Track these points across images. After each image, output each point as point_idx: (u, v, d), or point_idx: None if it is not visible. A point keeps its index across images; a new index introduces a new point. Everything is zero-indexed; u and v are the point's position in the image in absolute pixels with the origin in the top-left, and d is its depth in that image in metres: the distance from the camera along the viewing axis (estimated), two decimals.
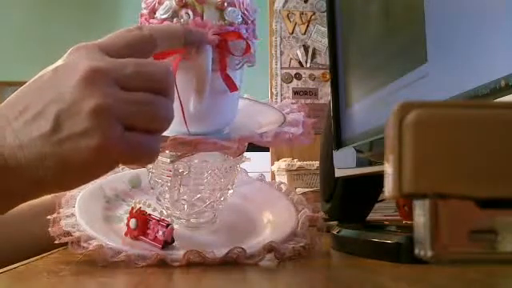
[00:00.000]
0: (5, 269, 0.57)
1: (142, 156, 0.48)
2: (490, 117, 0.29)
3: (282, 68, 2.52)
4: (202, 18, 0.59)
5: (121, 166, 0.68)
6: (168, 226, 0.63)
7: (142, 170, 0.73)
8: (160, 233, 0.62)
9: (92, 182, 0.67)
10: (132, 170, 0.74)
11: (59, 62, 0.49)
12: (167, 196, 0.67)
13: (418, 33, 0.62)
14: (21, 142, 0.45)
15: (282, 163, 1.66)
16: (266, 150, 2.25)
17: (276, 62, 2.52)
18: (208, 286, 0.53)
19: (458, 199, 0.28)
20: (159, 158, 0.63)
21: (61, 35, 4.80)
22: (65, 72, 0.47)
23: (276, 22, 2.52)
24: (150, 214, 0.65)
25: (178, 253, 0.60)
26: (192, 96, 0.59)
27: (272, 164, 2.10)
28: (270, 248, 0.61)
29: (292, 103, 0.72)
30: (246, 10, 0.62)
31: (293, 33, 2.52)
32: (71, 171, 0.46)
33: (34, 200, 0.51)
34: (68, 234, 0.63)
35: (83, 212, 0.66)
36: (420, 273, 0.52)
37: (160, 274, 0.57)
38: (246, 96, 0.72)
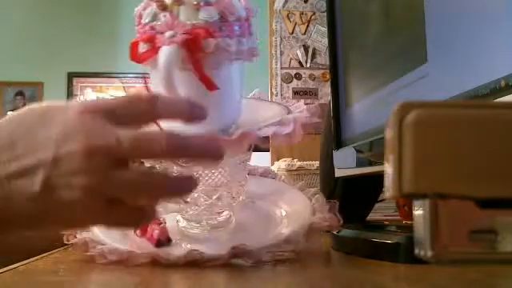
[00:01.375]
0: (5, 269, 0.57)
1: (124, 226, 0.51)
2: (490, 117, 0.29)
3: (282, 68, 2.52)
4: (178, 18, 0.60)
5: None
6: (160, 224, 0.63)
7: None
8: (155, 231, 0.63)
9: None
10: None
11: (59, 113, 0.47)
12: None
13: (418, 33, 0.62)
14: (6, 194, 0.45)
15: (282, 163, 1.66)
16: (266, 149, 2.25)
17: (276, 61, 2.52)
18: (208, 285, 0.53)
19: (458, 199, 0.28)
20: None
21: (61, 35, 4.80)
22: (65, 133, 0.45)
23: (276, 21, 2.52)
24: None
25: (137, 252, 0.60)
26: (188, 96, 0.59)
27: (272, 164, 2.09)
28: (239, 252, 0.59)
29: (306, 104, 0.71)
30: (225, 8, 0.62)
31: (293, 33, 2.52)
32: (56, 226, 0.50)
33: None
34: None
35: None
36: (420, 273, 0.52)
37: (160, 274, 0.57)
38: (253, 95, 0.72)
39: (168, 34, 0.60)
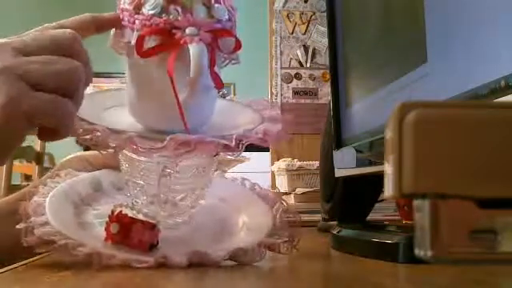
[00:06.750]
0: (5, 269, 0.57)
1: (52, 115, 0.50)
2: (490, 117, 0.29)
3: (282, 68, 2.52)
4: (192, 14, 0.58)
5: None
6: (154, 227, 0.60)
7: (101, 172, 0.70)
8: (146, 235, 0.59)
9: (53, 186, 0.65)
10: (90, 174, 0.70)
11: None
12: (144, 198, 0.64)
13: (418, 33, 0.62)
14: None
15: (282, 163, 1.66)
16: (266, 149, 2.26)
17: (276, 61, 2.52)
18: (210, 285, 0.53)
19: (458, 199, 0.28)
20: (134, 156, 0.62)
21: None
22: None
23: (276, 22, 2.52)
24: (131, 217, 0.60)
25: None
26: (183, 91, 0.58)
27: (272, 164, 2.10)
28: (196, 256, 0.58)
29: (265, 100, 0.70)
30: (231, 7, 0.61)
31: (293, 33, 2.52)
32: None
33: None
34: (52, 242, 0.58)
35: (58, 220, 0.61)
36: (420, 273, 0.52)
37: (160, 274, 0.57)
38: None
39: (189, 30, 0.57)
